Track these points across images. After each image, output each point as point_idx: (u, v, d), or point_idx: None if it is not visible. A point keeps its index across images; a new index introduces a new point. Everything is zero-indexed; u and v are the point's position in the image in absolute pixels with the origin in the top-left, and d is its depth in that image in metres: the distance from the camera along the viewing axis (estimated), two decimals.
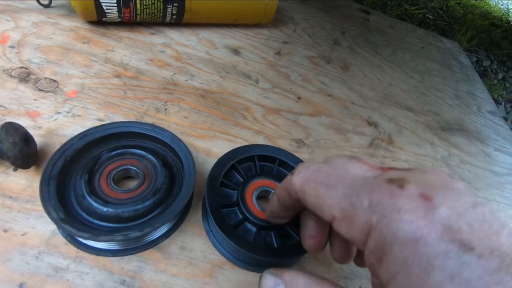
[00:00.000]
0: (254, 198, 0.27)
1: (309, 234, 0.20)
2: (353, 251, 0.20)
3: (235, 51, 0.48)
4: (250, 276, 0.25)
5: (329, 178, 0.16)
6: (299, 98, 0.45)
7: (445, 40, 0.84)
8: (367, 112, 0.47)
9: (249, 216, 0.26)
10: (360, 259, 0.20)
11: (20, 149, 0.24)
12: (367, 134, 0.44)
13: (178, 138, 0.28)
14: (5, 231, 0.22)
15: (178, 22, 0.46)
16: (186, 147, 0.28)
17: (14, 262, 0.21)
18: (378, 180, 0.15)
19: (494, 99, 0.68)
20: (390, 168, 0.16)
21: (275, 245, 0.25)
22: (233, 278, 0.25)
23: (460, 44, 1.02)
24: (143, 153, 0.27)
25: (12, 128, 0.24)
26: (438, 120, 0.53)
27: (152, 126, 0.29)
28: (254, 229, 0.26)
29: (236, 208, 0.27)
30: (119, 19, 0.42)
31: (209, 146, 0.34)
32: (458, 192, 0.13)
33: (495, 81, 1.31)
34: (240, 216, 0.26)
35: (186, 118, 0.36)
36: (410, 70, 0.63)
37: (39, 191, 0.22)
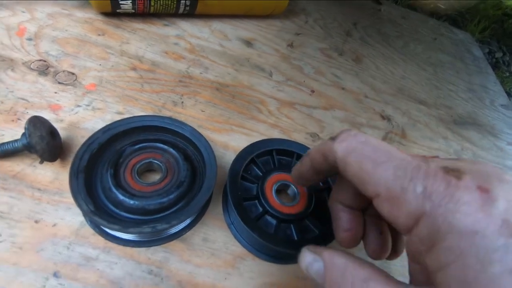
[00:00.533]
0: (273, 191, 0.28)
1: (344, 227, 0.19)
2: (389, 245, 0.19)
3: (248, 43, 0.48)
4: (270, 267, 0.26)
5: (377, 153, 0.15)
6: (312, 91, 0.45)
7: (457, 31, 0.82)
8: (380, 106, 0.47)
9: (269, 209, 0.26)
10: (393, 255, 0.19)
11: (47, 142, 0.24)
12: (381, 127, 0.44)
13: (198, 132, 0.29)
14: (36, 222, 0.23)
15: (191, 13, 0.46)
16: (207, 141, 0.28)
17: (48, 252, 0.22)
18: (433, 168, 0.14)
19: (506, 92, 0.68)
20: (433, 157, 0.15)
21: (295, 238, 0.26)
22: (255, 268, 0.26)
23: (473, 35, 1.00)
24: (165, 146, 0.28)
25: (39, 122, 0.25)
26: (451, 113, 0.52)
27: (172, 120, 0.29)
28: (274, 222, 0.26)
29: (256, 201, 0.27)
30: (133, 11, 0.42)
31: (226, 140, 0.34)
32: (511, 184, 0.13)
33: (507, 74, 1.29)
34: (261, 209, 0.27)
35: (202, 111, 0.36)
36: (423, 63, 0.62)
37: (69, 184, 0.22)
